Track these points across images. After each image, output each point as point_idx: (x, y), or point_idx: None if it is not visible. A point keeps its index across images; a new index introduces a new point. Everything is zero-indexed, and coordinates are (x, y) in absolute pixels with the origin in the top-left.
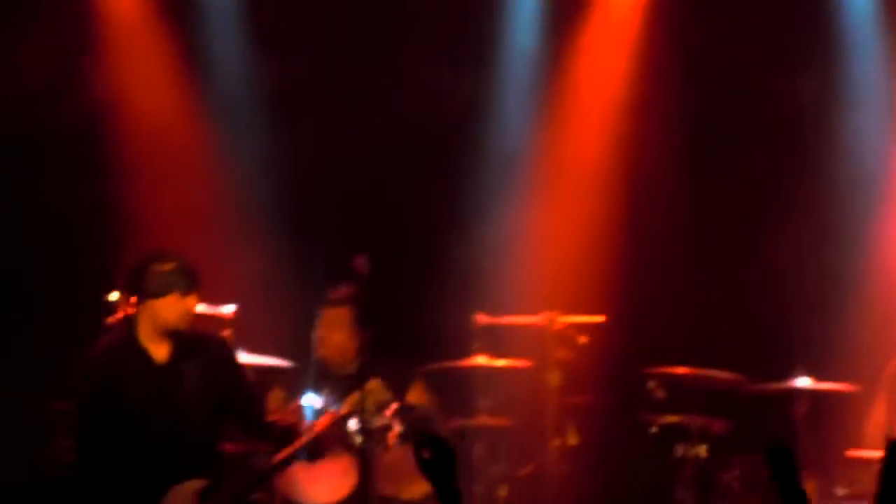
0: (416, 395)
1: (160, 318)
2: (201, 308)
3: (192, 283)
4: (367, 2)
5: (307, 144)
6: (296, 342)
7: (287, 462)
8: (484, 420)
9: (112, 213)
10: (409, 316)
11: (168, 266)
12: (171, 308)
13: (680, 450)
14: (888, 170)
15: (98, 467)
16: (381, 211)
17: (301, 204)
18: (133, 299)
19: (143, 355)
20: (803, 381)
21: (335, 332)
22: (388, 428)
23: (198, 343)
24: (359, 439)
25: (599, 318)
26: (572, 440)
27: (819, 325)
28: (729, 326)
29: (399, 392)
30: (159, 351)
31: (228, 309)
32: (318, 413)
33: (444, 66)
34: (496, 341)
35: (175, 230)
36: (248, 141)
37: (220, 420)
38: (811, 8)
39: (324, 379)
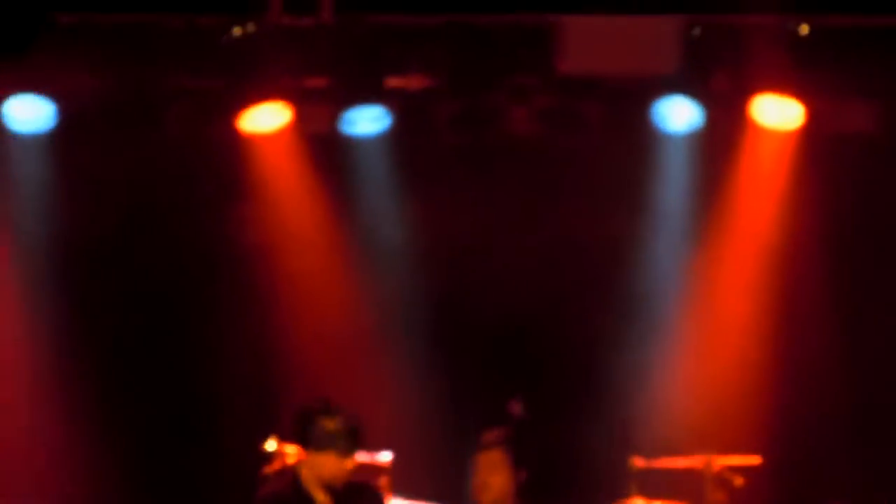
0: None
1: (317, 471)
2: (359, 456)
3: (352, 444)
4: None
5: (461, 288)
6: (454, 486)
7: None
8: None
9: (268, 359)
10: (567, 458)
11: (333, 423)
12: (330, 465)
13: None
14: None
15: None
16: (539, 351)
17: (456, 344)
18: (297, 447)
19: (310, 502)
20: None
21: (493, 476)
22: None
23: (355, 491)
24: None
25: (756, 460)
26: None
27: None
28: (887, 467)
29: None
30: (323, 498)
31: (385, 457)
32: None
33: (594, 215)
34: (654, 484)
35: (331, 373)
36: (401, 283)
37: None
38: None
39: None
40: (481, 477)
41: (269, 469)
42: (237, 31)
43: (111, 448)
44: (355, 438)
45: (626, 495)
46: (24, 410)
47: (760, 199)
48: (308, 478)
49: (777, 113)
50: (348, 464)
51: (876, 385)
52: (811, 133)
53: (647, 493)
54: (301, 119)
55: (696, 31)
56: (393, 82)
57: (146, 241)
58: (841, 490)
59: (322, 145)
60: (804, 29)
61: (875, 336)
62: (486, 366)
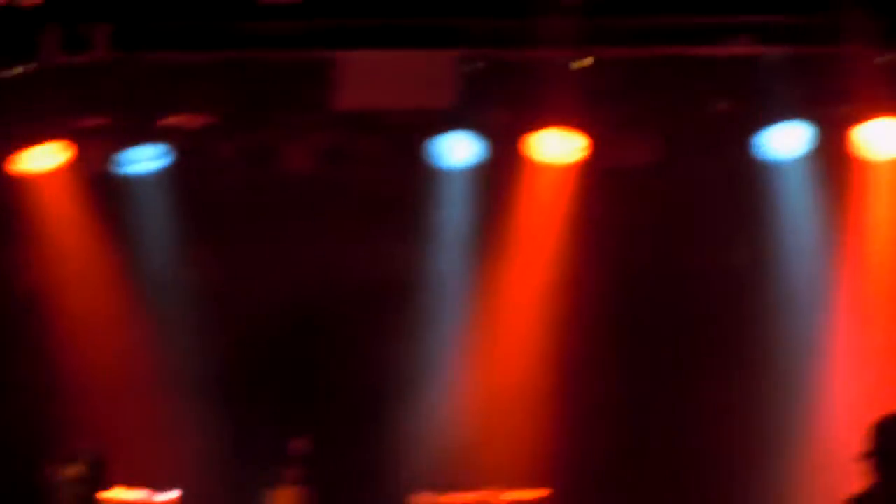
0: None
1: None
2: (142, 495)
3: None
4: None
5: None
6: None
7: None
8: None
9: (45, 395)
10: (350, 492)
11: (74, 469)
12: None
13: None
14: (821, 338)
15: None
16: (323, 384)
17: (242, 381)
18: None
19: None
20: None
21: None
22: None
23: None
24: None
25: (543, 492)
26: None
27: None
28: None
29: None
30: None
31: (172, 496)
32: None
33: (372, 247)
34: None
35: (114, 413)
36: (181, 323)
37: None
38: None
39: None
40: None
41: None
42: (14, 70)
43: None
44: (98, 477)
45: None
46: None
47: (541, 231)
48: None
49: (558, 146)
50: None
51: (659, 420)
52: (592, 166)
53: None
54: (79, 158)
55: (479, 65)
56: (171, 120)
57: None
58: None
59: (101, 184)
60: (587, 62)
61: (654, 366)
62: (272, 401)
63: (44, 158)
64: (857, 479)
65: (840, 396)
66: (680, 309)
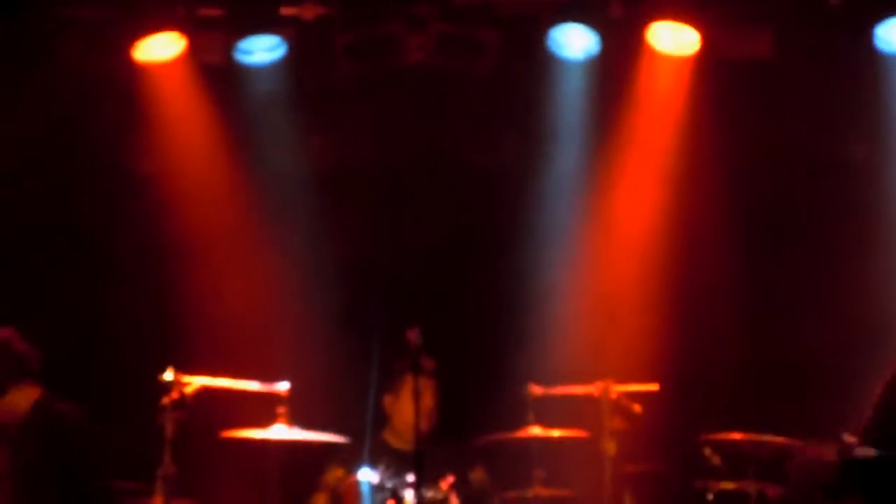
0: (478, 475)
1: None
2: (256, 385)
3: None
4: (409, 85)
5: (358, 220)
6: (349, 418)
7: None
8: (540, 491)
9: (162, 288)
10: (464, 388)
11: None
12: None
13: None
14: None
15: None
16: (430, 282)
17: (350, 277)
18: None
19: None
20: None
21: (411, 402)
22: (444, 501)
23: None
24: None
25: (653, 387)
26: None
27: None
28: (783, 390)
29: (459, 470)
30: None
31: (283, 386)
32: (375, 488)
33: (488, 142)
34: (551, 412)
35: (226, 305)
36: (299, 220)
37: None
38: (856, 71)
39: (382, 453)
40: (401, 399)
41: (168, 399)
42: None
43: None
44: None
45: (524, 423)
46: None
47: (657, 124)
48: None
49: (672, 39)
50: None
51: (772, 309)
52: (706, 59)
53: (545, 420)
54: (195, 49)
55: None
56: (287, 10)
57: (42, 174)
58: (738, 418)
59: (217, 75)
60: None
61: (773, 262)
62: (383, 299)
63: (163, 48)
64: None
65: None
66: (795, 202)
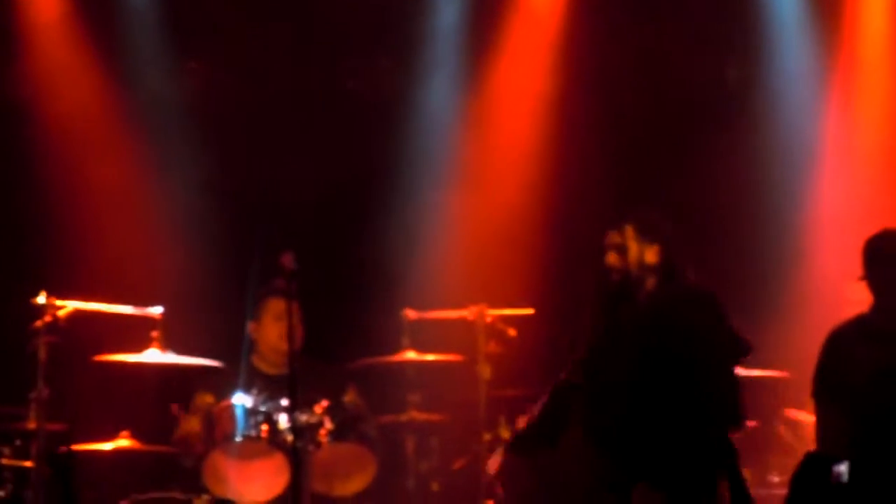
0: (351, 398)
1: None
2: (129, 309)
3: None
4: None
5: (233, 148)
6: (222, 343)
7: None
8: (415, 415)
9: (35, 212)
10: (337, 313)
11: None
12: None
13: None
14: (814, 159)
15: None
16: (305, 209)
17: (225, 204)
18: None
19: None
20: None
21: (277, 323)
22: (319, 425)
23: None
24: (290, 437)
25: (528, 311)
26: (504, 433)
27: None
28: None
29: (331, 393)
30: None
31: (156, 310)
32: (249, 412)
33: (364, 60)
34: (425, 336)
35: (100, 229)
36: (172, 143)
37: None
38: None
39: (254, 378)
40: (263, 323)
41: (40, 322)
42: None
43: None
44: None
45: (399, 348)
46: None
47: (534, 45)
48: None
49: None
50: None
51: None
52: None
53: (420, 345)
54: None
55: None
56: None
57: None
58: None
59: None
60: None
61: (649, 185)
62: (257, 222)
63: None
64: None
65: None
66: (668, 118)
